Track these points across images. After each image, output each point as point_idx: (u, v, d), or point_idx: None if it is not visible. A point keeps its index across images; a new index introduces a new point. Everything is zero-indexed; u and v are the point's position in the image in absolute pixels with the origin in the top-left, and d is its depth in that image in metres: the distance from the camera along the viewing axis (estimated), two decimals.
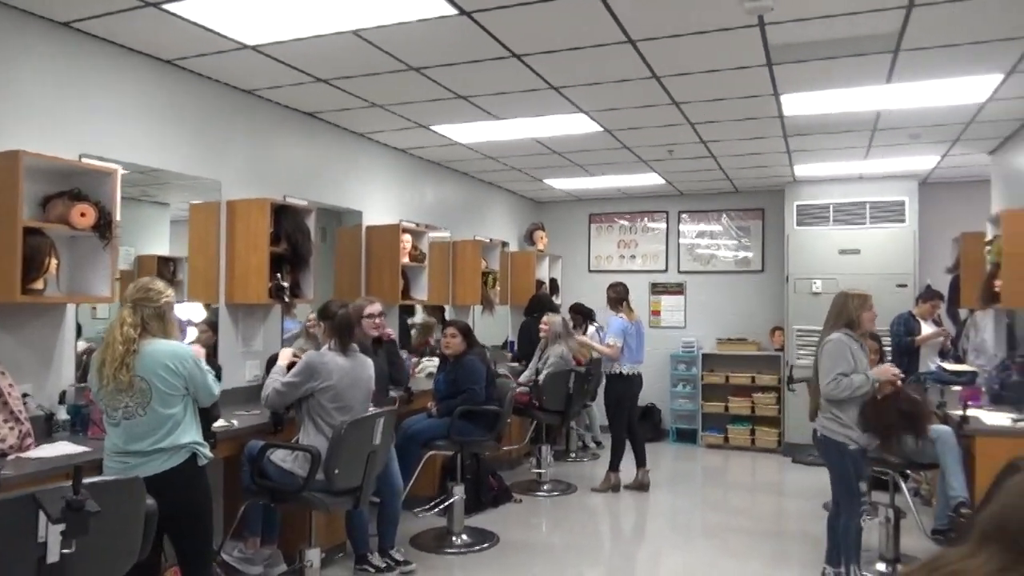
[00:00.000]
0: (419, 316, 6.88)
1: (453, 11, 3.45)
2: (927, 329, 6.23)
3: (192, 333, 4.05)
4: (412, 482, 4.77)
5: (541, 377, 6.18)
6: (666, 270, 9.09)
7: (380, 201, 6.23)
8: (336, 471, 3.43)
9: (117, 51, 3.87)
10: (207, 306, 4.48)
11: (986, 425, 4.21)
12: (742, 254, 8.79)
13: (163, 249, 4.39)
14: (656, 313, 9.05)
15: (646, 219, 9.22)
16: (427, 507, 4.96)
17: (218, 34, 3.75)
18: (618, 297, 6.44)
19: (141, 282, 2.95)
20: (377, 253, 5.90)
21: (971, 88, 4.65)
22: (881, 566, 4.42)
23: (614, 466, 6.32)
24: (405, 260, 5.98)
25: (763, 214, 8.66)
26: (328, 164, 5.59)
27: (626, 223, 9.32)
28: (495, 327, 8.03)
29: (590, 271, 9.38)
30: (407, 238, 6.04)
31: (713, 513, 6.10)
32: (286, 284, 4.56)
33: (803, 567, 4.59)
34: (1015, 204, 5.65)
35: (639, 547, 5.37)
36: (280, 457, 3.55)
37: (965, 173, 7.33)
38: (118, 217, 3.48)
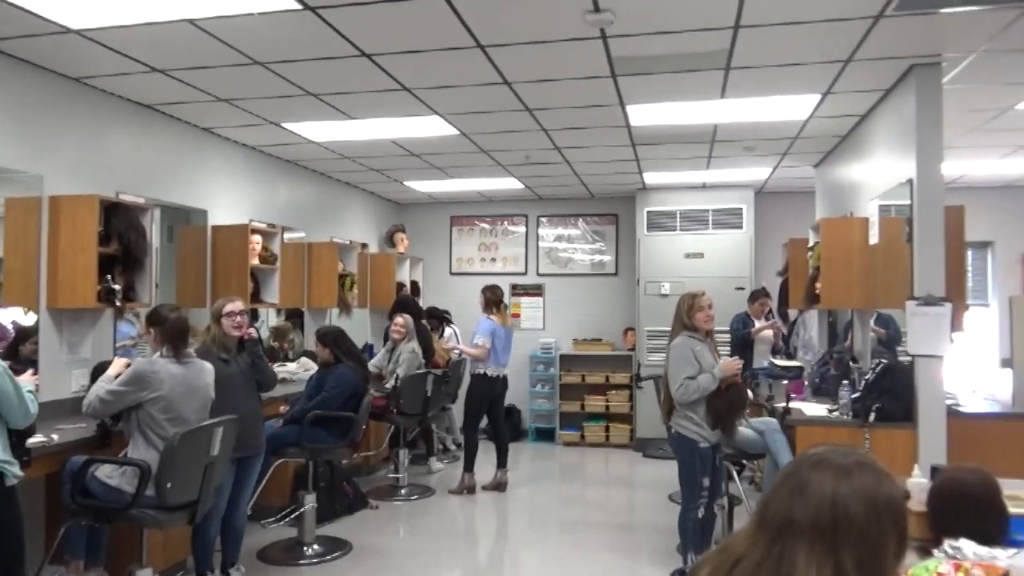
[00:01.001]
0: (273, 319, 6.63)
1: (298, 6, 3.35)
2: (759, 324, 6.73)
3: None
4: (259, 492, 4.58)
5: (398, 380, 6.12)
6: (526, 273, 9.28)
7: (228, 200, 5.95)
8: (168, 485, 3.24)
9: None
10: (27, 311, 4.10)
11: (805, 416, 4.58)
12: (598, 257, 9.11)
13: None
14: (516, 315, 9.20)
15: (506, 223, 9.36)
16: (276, 518, 4.78)
17: (37, 15, 3.45)
18: (494, 299, 6.50)
19: None
20: (224, 254, 5.63)
21: (794, 106, 5.06)
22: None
23: (468, 467, 6.37)
24: (255, 262, 5.74)
25: (617, 219, 9.02)
26: (170, 160, 5.27)
27: (487, 226, 9.42)
28: (354, 331, 7.85)
29: (452, 274, 9.41)
30: (257, 239, 5.80)
31: (569, 509, 6.27)
32: (117, 287, 4.25)
33: (652, 555, 4.82)
34: (834, 213, 6.20)
35: (496, 546, 5.43)
36: (106, 473, 3.31)
37: (794, 184, 7.96)
38: None
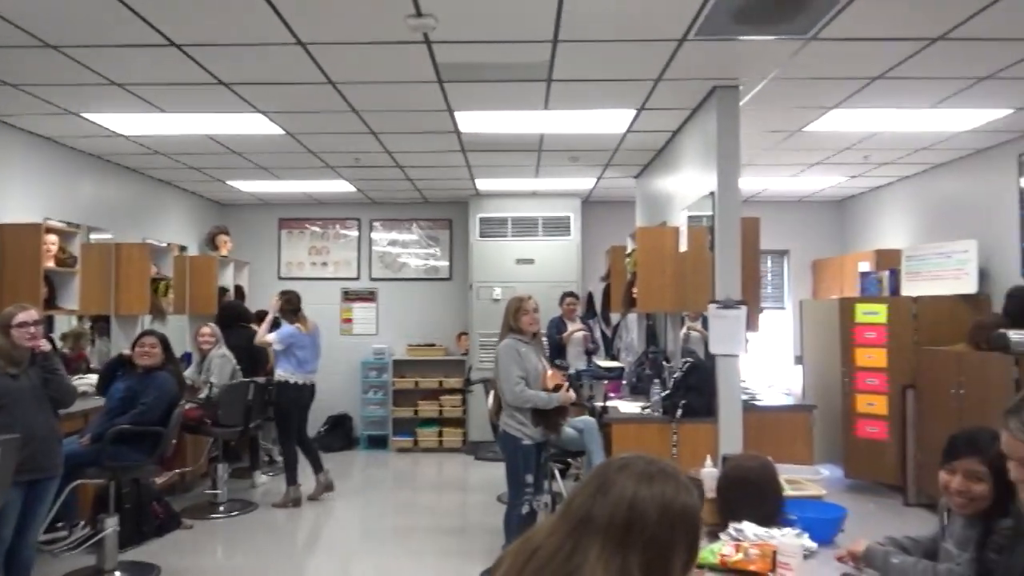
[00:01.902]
0: (74, 325, 6.05)
1: None
2: (572, 327, 7.02)
3: None
4: (51, 517, 4.14)
5: (212, 388, 5.79)
6: (358, 277, 9.10)
7: (18, 196, 5.37)
8: None
9: None
10: None
11: (620, 413, 4.84)
12: (431, 262, 9.12)
13: None
14: (348, 321, 9.02)
15: (338, 226, 9.15)
16: (68, 544, 4.35)
17: None
18: (290, 308, 6.23)
19: None
20: (13, 256, 5.06)
21: (613, 120, 5.33)
22: None
23: (291, 479, 6.14)
24: (50, 264, 5.22)
25: (451, 224, 9.08)
26: None
27: (318, 229, 9.16)
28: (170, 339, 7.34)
29: (280, 278, 9.04)
30: (53, 239, 5.28)
31: (401, 516, 6.21)
32: None
33: (483, 556, 4.86)
34: (651, 222, 6.60)
35: (326, 559, 5.26)
36: None
37: (617, 194, 8.38)
38: None
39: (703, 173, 4.87)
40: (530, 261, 8.42)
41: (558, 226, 8.48)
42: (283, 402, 6.14)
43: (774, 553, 2.00)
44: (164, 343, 4.79)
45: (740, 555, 2.03)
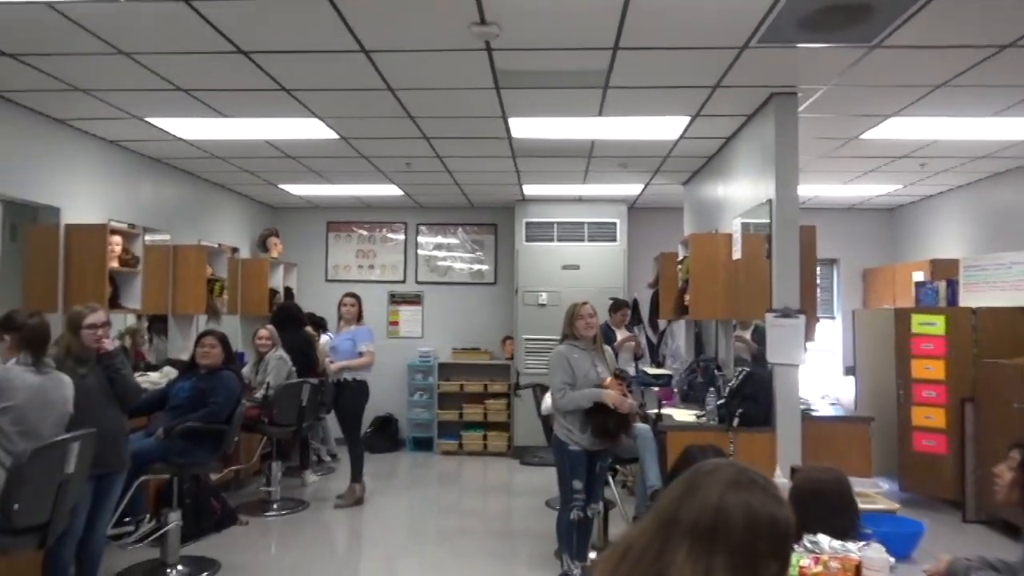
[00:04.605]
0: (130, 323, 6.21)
1: None
2: (621, 336, 6.99)
3: None
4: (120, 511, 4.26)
5: (269, 388, 5.89)
6: (404, 281, 9.19)
7: (84, 198, 5.53)
8: (16, 507, 2.96)
9: None
10: None
11: (675, 421, 4.81)
12: (477, 267, 9.16)
13: None
14: (395, 323, 9.10)
15: (385, 229, 9.25)
16: (135, 538, 4.47)
17: None
18: (359, 309, 6.42)
19: None
20: (79, 256, 5.23)
21: (666, 127, 5.31)
22: (592, 553, 4.82)
23: (357, 477, 6.21)
24: (114, 264, 5.37)
25: (496, 229, 9.12)
26: (16, 152, 4.84)
27: (365, 233, 9.27)
28: None
29: (327, 280, 9.17)
30: (117, 240, 5.43)
31: (447, 518, 6.25)
32: None
33: (530, 560, 4.89)
34: (700, 229, 6.55)
35: (371, 557, 5.33)
36: None
37: (664, 200, 8.34)
38: None
39: (759, 180, 4.82)
40: (576, 267, 8.41)
41: (604, 232, 8.46)
42: (356, 400, 6.24)
43: (857, 567, 1.98)
44: (224, 342, 4.90)
45: (820, 568, 2.01)
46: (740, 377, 4.55)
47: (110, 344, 3.85)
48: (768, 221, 4.57)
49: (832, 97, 4.59)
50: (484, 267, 9.15)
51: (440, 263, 9.20)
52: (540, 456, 7.82)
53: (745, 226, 5.13)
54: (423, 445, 8.67)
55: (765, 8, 3.30)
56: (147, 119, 5.22)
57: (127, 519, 4.37)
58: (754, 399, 4.46)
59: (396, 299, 9.15)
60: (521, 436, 8.25)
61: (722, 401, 4.60)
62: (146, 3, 3.26)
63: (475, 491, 7.41)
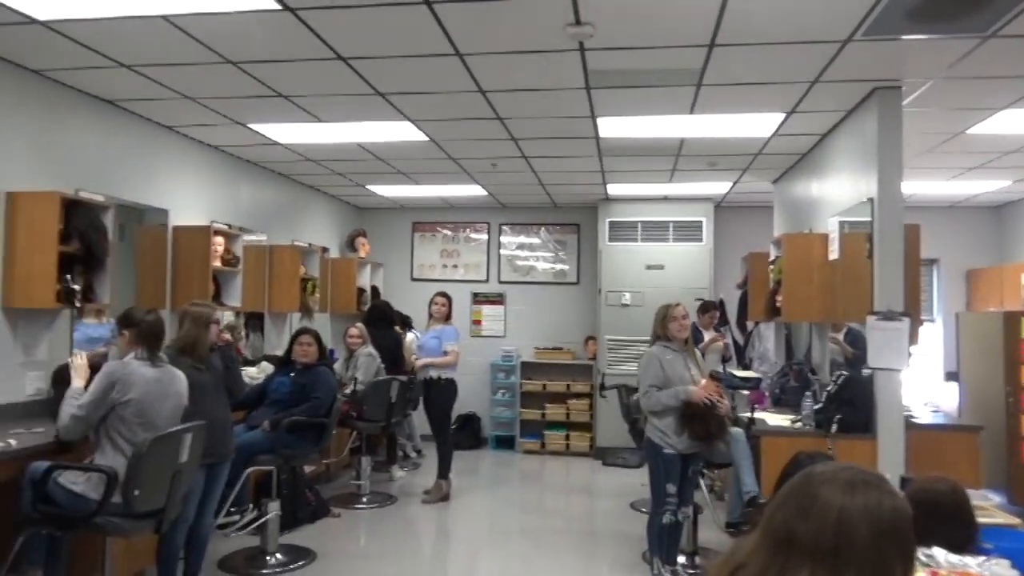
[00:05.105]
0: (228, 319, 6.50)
1: (277, 6, 3.31)
2: (707, 336, 6.85)
3: None
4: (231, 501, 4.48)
5: (357, 383, 6.06)
6: (487, 280, 9.27)
7: (189, 200, 5.82)
8: (136, 492, 3.14)
9: None
10: None
11: (770, 426, 4.69)
12: (559, 266, 9.16)
13: None
14: (477, 323, 9.20)
15: (468, 230, 9.36)
16: (239, 526, 4.68)
17: (1, 5, 3.33)
18: (449, 309, 6.52)
19: None
20: (185, 256, 5.50)
21: (760, 124, 5.18)
22: (681, 558, 4.77)
23: (444, 474, 6.32)
24: (217, 264, 5.62)
25: (579, 229, 9.09)
26: (129, 157, 5.13)
27: (449, 233, 9.40)
28: None
29: (413, 279, 9.35)
30: (219, 240, 5.68)
31: (530, 516, 6.28)
32: (77, 287, 4.12)
33: (614, 562, 4.86)
34: (792, 229, 6.36)
35: (457, 551, 5.42)
36: (69, 479, 3.19)
37: (753, 199, 8.14)
38: None
39: (859, 178, 4.65)
40: (660, 267, 8.30)
41: (690, 231, 8.32)
42: (446, 398, 6.34)
43: None
44: (319, 339, 5.07)
45: None
46: (838, 382, 4.40)
47: (227, 335, 4.07)
48: (869, 220, 4.40)
49: (939, 91, 4.39)
50: (566, 267, 9.14)
51: (522, 263, 9.24)
52: (623, 457, 7.77)
53: (843, 225, 4.95)
54: (505, 443, 8.73)
55: (872, 0, 3.18)
56: (248, 125, 5.44)
57: (233, 508, 4.58)
58: (853, 404, 4.30)
59: (479, 298, 9.24)
60: (604, 437, 8.21)
61: (819, 406, 4.46)
62: (255, 13, 3.39)
63: (558, 490, 7.41)
